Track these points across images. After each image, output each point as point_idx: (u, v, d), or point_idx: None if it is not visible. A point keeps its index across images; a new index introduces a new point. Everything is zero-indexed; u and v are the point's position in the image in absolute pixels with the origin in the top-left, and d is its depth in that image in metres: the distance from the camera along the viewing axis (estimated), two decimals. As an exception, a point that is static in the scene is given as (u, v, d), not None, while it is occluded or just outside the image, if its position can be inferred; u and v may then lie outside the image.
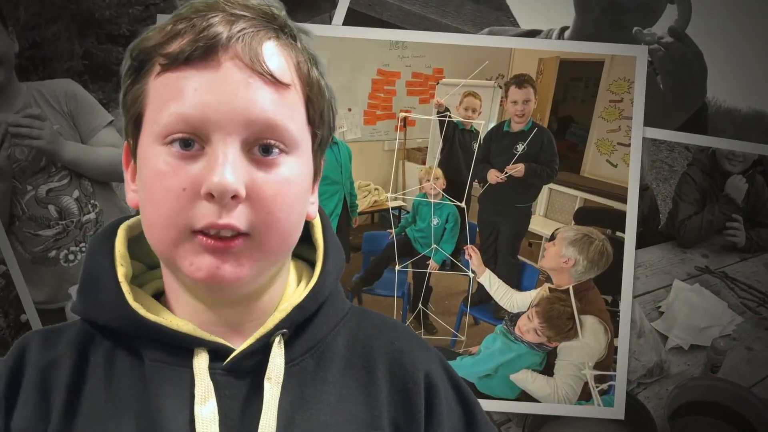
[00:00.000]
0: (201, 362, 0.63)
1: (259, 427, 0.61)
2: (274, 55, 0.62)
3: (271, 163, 0.61)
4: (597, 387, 1.48)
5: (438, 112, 1.60)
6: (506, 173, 1.57)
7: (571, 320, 1.48)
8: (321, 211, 0.75)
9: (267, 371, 0.64)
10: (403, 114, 1.61)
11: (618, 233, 1.51)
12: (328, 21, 1.55)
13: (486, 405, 1.51)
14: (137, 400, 0.63)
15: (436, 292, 1.66)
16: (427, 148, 1.69)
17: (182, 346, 0.64)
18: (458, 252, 1.62)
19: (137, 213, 0.70)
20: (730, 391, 1.53)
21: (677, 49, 1.47)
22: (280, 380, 0.64)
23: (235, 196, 0.58)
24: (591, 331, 1.49)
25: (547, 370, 1.51)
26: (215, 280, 0.60)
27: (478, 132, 1.61)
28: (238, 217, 0.59)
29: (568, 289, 1.50)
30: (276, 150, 0.61)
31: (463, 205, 1.60)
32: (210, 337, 0.65)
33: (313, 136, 0.67)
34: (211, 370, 0.63)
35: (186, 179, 0.58)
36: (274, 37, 0.63)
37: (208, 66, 0.59)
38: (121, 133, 1.65)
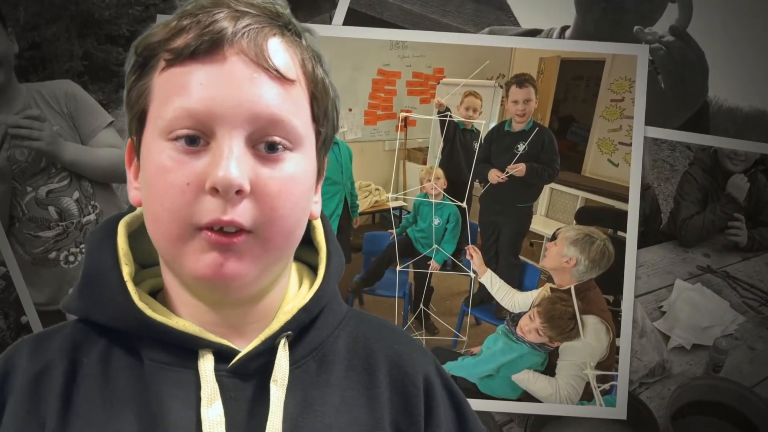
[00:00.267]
0: (206, 364, 0.63)
1: (266, 429, 0.61)
2: (279, 51, 0.61)
3: (275, 160, 0.61)
4: (599, 387, 1.48)
5: (439, 112, 1.60)
6: (507, 173, 1.57)
7: (572, 320, 1.48)
8: (321, 214, 0.74)
9: (273, 373, 0.63)
10: (404, 114, 1.61)
11: (619, 233, 1.51)
12: (329, 21, 1.55)
13: (488, 405, 1.51)
14: (137, 401, 0.62)
15: (438, 292, 1.66)
16: (427, 148, 1.69)
17: (186, 348, 0.63)
18: (459, 252, 1.62)
19: (132, 208, 0.69)
20: (733, 390, 1.53)
21: (678, 48, 1.47)
22: (285, 382, 0.64)
23: (239, 191, 0.58)
24: (593, 331, 1.48)
25: (549, 370, 1.51)
26: (217, 276, 0.60)
27: (479, 132, 1.61)
28: (242, 213, 0.58)
29: (569, 289, 1.50)
30: (281, 146, 0.61)
31: (464, 205, 1.60)
32: (216, 339, 0.64)
33: (317, 134, 0.66)
34: (217, 372, 0.63)
35: (190, 174, 0.58)
36: (279, 33, 0.63)
37: (213, 61, 0.59)
38: (121, 133, 1.65)
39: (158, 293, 0.70)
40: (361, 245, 1.71)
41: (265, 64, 0.59)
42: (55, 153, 1.54)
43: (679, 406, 1.51)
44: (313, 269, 0.74)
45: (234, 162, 0.57)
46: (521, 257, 1.63)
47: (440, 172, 1.61)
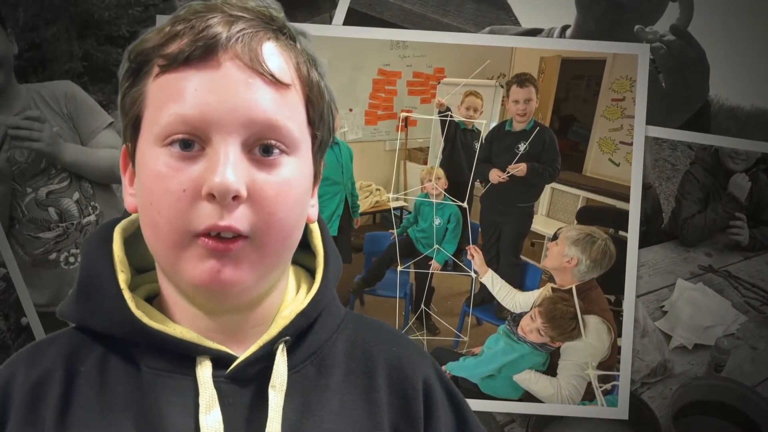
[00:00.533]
0: (204, 370, 0.62)
1: None
2: (273, 55, 0.61)
3: (271, 164, 0.60)
4: (600, 387, 1.48)
5: (439, 112, 1.60)
6: (508, 173, 1.56)
7: (574, 320, 1.48)
8: (318, 217, 0.74)
9: (271, 379, 0.63)
10: (405, 114, 1.61)
11: (621, 232, 1.51)
12: (329, 21, 1.55)
13: (489, 405, 1.51)
14: (135, 409, 0.62)
15: (439, 292, 1.66)
16: (428, 148, 1.69)
17: (183, 354, 0.63)
18: (460, 252, 1.62)
19: (128, 213, 0.69)
20: (735, 390, 1.53)
21: (679, 47, 1.46)
22: (284, 388, 0.63)
23: (236, 197, 0.57)
24: (594, 330, 1.48)
25: (551, 370, 1.51)
26: (215, 284, 0.59)
27: (479, 131, 1.61)
28: (238, 219, 0.58)
29: (571, 289, 1.49)
30: (276, 150, 0.60)
31: (465, 205, 1.60)
32: (213, 345, 0.64)
33: (313, 137, 0.66)
34: (215, 378, 0.62)
35: (186, 180, 0.58)
36: (274, 38, 0.62)
37: (207, 66, 0.58)
38: (121, 134, 1.64)
39: (154, 299, 0.70)
40: (362, 245, 1.71)
41: (260, 69, 0.59)
42: (55, 154, 1.54)
43: (681, 406, 1.51)
44: (311, 273, 0.74)
45: (230, 168, 0.57)
46: (522, 257, 1.63)
47: (441, 172, 1.60)
